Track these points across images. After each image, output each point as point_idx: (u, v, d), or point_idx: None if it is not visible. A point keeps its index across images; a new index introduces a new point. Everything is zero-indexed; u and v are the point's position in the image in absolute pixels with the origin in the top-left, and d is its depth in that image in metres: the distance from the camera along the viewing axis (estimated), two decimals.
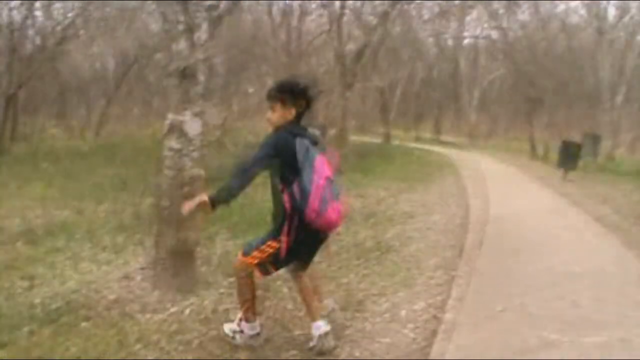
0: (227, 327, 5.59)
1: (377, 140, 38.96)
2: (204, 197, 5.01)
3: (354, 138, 27.07)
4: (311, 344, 5.41)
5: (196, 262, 7.13)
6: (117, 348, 5.36)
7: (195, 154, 6.68)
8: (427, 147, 36.66)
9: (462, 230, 10.94)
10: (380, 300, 6.93)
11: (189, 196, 6.59)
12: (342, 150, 20.18)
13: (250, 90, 35.30)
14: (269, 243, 5.27)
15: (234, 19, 20.49)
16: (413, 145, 37.88)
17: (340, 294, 7.04)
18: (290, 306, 6.56)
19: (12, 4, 25.13)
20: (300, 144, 5.07)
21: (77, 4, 26.26)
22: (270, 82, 32.83)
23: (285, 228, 5.19)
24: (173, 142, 6.62)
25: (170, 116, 6.61)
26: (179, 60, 6.62)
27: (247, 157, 5.08)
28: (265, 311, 6.33)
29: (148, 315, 6.16)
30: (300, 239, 5.22)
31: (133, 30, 30.73)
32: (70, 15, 27.28)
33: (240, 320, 5.50)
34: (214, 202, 4.99)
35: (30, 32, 28.06)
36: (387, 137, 40.43)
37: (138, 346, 5.43)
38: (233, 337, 5.50)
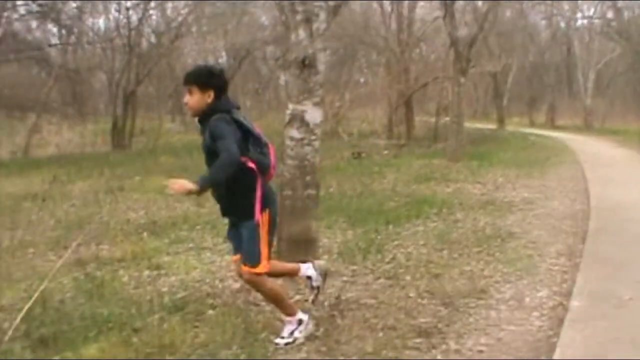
0: (281, 340, 5.36)
1: (491, 126, 38.44)
2: (191, 185, 4.85)
3: (467, 125, 26.73)
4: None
5: (318, 251, 7.18)
6: (243, 335, 5.44)
7: (316, 143, 6.73)
8: (541, 132, 35.88)
9: (583, 216, 10.66)
10: (504, 288, 6.82)
11: (311, 185, 6.67)
12: (458, 137, 20.01)
13: (362, 79, 35.38)
14: (260, 235, 5.15)
15: (345, 9, 20.51)
16: (527, 130, 37.18)
17: (463, 281, 6.97)
18: (412, 294, 6.54)
19: (129, 3, 25.88)
20: (237, 114, 5.09)
21: (189, 2, 26.85)
22: (382, 71, 32.95)
23: (257, 204, 5.10)
24: (294, 132, 6.69)
25: (291, 106, 6.68)
26: (298, 51, 6.67)
27: (225, 149, 4.88)
28: (387, 299, 6.35)
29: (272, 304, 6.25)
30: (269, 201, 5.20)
31: (244, 24, 31.19)
32: (183, 12, 27.89)
33: (288, 322, 5.42)
34: (200, 190, 4.93)
35: (146, 30, 28.79)
36: (501, 123, 39.84)
37: (264, 334, 5.50)
38: (293, 340, 5.35)
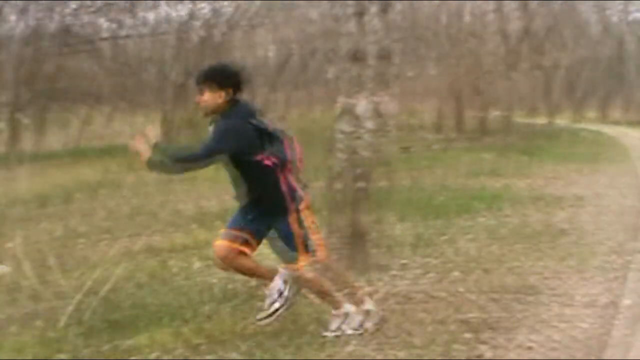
0: (329, 333, 5.33)
1: (541, 121, 38.04)
2: (147, 154, 4.81)
3: (517, 119, 26.53)
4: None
5: (368, 245, 7.18)
6: (292, 327, 5.47)
7: (367, 137, 6.74)
8: (593, 127, 35.32)
9: (635, 213, 10.52)
10: (554, 284, 6.75)
11: (362, 178, 6.67)
12: (507, 132, 19.86)
13: (410, 74, 35.20)
14: (295, 232, 5.11)
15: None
16: (578, 125, 36.72)
17: (512, 277, 6.92)
18: (461, 289, 6.51)
19: None
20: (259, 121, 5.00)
21: None
22: (431, 65, 32.79)
23: (288, 200, 5.06)
24: (345, 125, 6.71)
25: (342, 99, 6.69)
26: (349, 44, 6.67)
27: (201, 149, 4.91)
28: (436, 293, 6.33)
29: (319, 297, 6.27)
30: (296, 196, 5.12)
31: (293, 18, 31.21)
32: (232, 6, 28.01)
33: (337, 315, 5.36)
34: (150, 164, 4.89)
35: (196, 24, 28.94)
36: (551, 117, 39.38)
37: (313, 326, 5.52)
38: (340, 333, 5.30)
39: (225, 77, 5.01)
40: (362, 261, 6.97)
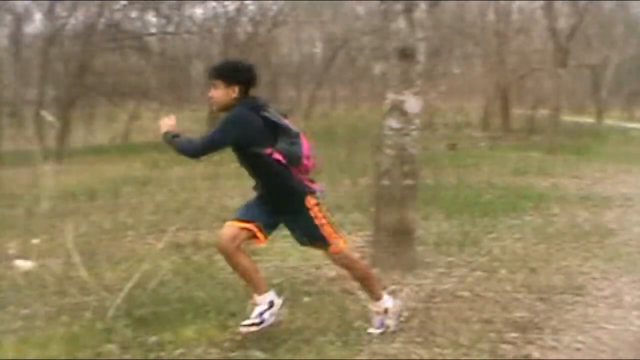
0: (372, 329, 5.32)
1: (589, 119, 37.58)
2: (172, 130, 5.02)
3: (565, 118, 26.24)
4: None
5: (415, 242, 7.17)
6: (338, 323, 5.48)
7: (415, 133, 6.74)
8: None
9: None
10: (602, 285, 6.68)
11: (410, 175, 6.66)
12: (555, 130, 19.65)
13: (456, 71, 35.02)
14: (320, 223, 5.06)
15: None
16: (627, 124, 36.18)
17: (560, 276, 6.86)
18: (508, 288, 6.48)
19: None
20: (271, 114, 4.94)
21: None
22: (478, 63, 32.60)
23: (302, 195, 5.02)
24: (393, 122, 6.70)
25: (391, 96, 6.69)
26: (398, 41, 6.67)
27: (202, 140, 4.94)
28: (483, 292, 6.31)
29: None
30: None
31: (340, 14, 31.23)
32: (279, 2, 28.11)
33: (377, 307, 5.34)
34: (167, 140, 5.03)
35: (243, 20, 29.10)
36: (600, 116, 38.88)
37: (358, 322, 5.53)
38: (385, 326, 5.30)
39: (236, 74, 4.97)
40: (409, 258, 6.97)
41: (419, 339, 5.21)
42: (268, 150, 4.85)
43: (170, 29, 28.17)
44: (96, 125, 26.79)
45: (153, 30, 28.54)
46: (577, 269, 7.21)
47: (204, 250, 7.91)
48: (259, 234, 5.08)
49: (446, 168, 14.89)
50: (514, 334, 5.32)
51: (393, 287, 6.35)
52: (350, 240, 8.30)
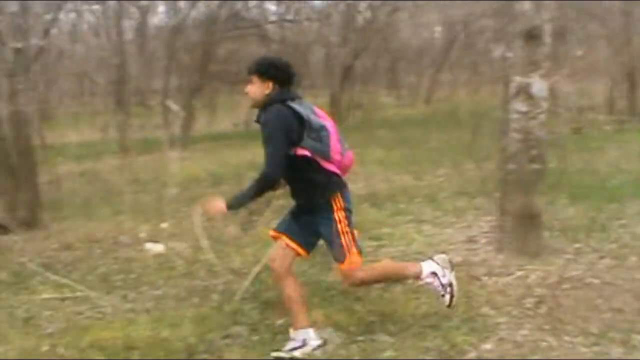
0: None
1: None
2: (222, 207, 4.83)
3: None
4: None
5: (541, 227, 7.04)
6: (465, 309, 5.46)
7: (542, 117, 6.62)
8: None
9: None
10: None
11: (537, 160, 6.54)
12: None
13: (579, 52, 34.14)
14: (342, 231, 4.88)
15: None
16: None
17: None
18: (639, 276, 6.30)
19: None
20: (299, 104, 4.83)
21: None
22: (602, 43, 31.65)
23: (338, 196, 4.88)
24: (520, 105, 6.60)
25: (517, 79, 6.59)
26: (524, 22, 6.56)
27: (267, 163, 4.73)
28: (612, 279, 6.15)
29: (494, 279, 6.22)
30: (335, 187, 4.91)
31: None
32: None
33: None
34: (236, 205, 4.90)
35: (362, 5, 29.11)
36: None
37: (485, 308, 5.50)
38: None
39: (270, 70, 4.90)
40: (535, 244, 6.85)
41: (547, 327, 5.15)
42: (294, 149, 4.77)
43: (289, 16, 28.44)
44: (218, 113, 27.28)
45: (273, 18, 28.86)
46: None
47: None
48: (301, 252, 5.05)
49: (571, 152, 14.54)
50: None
51: (520, 273, 6.27)
52: (476, 225, 8.27)
